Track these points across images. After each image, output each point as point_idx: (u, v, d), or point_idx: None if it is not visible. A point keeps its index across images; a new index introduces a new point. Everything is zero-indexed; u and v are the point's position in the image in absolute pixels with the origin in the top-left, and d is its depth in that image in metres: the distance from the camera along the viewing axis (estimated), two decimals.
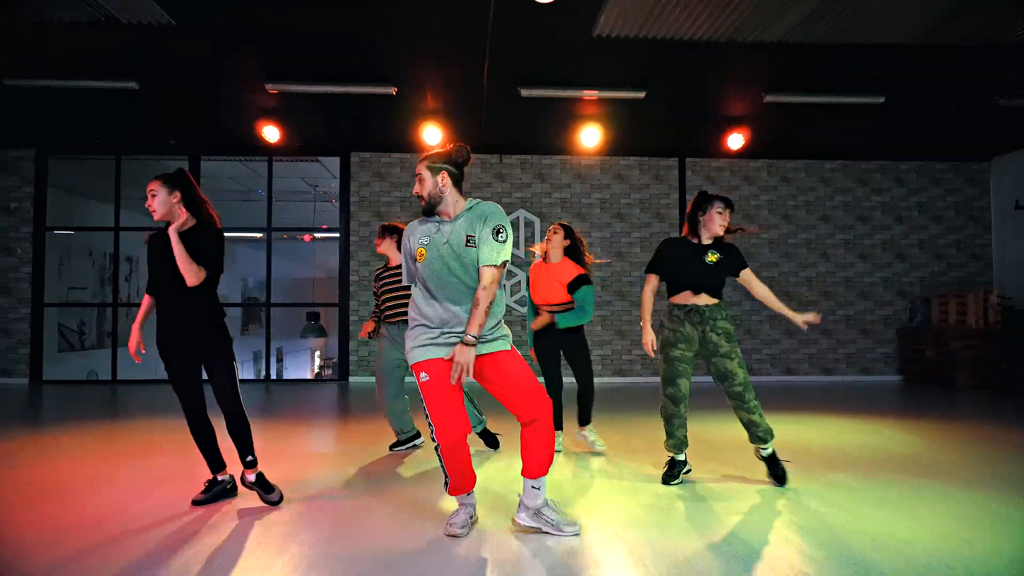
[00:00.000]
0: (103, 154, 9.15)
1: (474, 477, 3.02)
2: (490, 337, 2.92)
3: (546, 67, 6.60)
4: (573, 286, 4.46)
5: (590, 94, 7.13)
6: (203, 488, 3.46)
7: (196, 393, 3.36)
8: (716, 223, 3.74)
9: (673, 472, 3.82)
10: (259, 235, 17.34)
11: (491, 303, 2.81)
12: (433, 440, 2.83)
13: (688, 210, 3.87)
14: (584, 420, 4.72)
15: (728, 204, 3.77)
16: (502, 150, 9.38)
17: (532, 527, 2.98)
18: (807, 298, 9.55)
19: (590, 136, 8.32)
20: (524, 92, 6.98)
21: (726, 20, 5.52)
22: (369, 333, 4.65)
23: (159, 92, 7.04)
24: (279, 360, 20.42)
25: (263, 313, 21.87)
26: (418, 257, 2.88)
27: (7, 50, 6.01)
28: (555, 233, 4.54)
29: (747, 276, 3.81)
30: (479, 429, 4.71)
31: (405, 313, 4.34)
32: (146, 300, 3.37)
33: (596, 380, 4.97)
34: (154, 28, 5.57)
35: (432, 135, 8.08)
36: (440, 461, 2.90)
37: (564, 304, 4.52)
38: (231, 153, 9.30)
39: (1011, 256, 9.51)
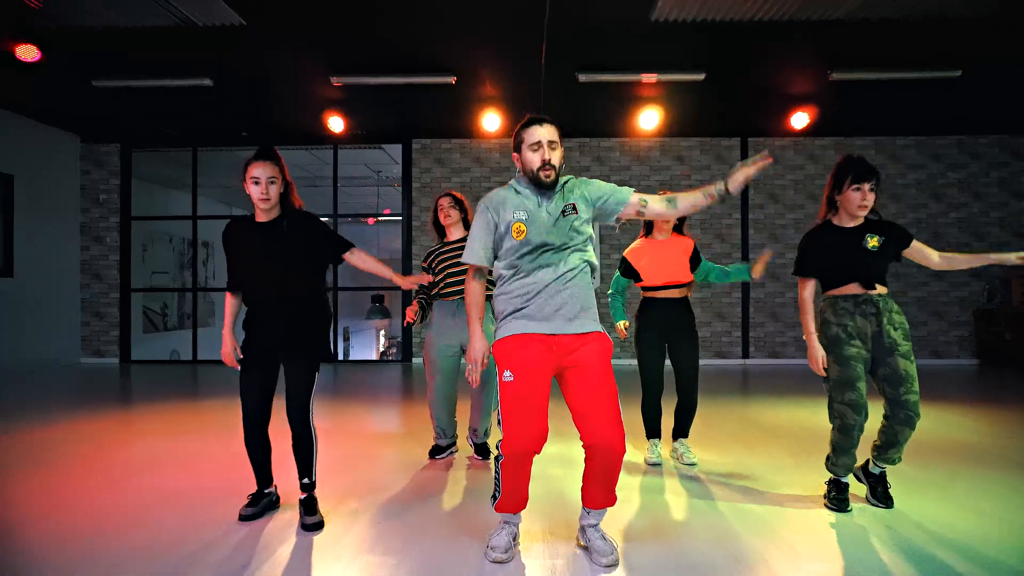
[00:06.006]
0: (181, 147, 9.65)
1: (527, 498, 2.67)
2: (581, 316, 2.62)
3: (603, 53, 6.58)
4: (695, 260, 4.00)
5: (649, 77, 7.08)
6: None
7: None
8: (854, 204, 3.07)
9: (845, 496, 3.22)
10: (325, 219, 18.00)
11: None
12: (497, 448, 2.53)
13: (827, 187, 3.19)
14: (681, 432, 4.12)
15: (864, 176, 3.05)
16: (560, 134, 9.39)
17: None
18: None
19: (648, 119, 8.26)
20: (582, 78, 6.99)
21: (787, 1, 5.41)
22: (415, 315, 4.01)
23: (232, 88, 7.38)
24: (345, 339, 21.15)
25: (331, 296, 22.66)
26: (516, 234, 2.62)
27: (96, 54, 6.42)
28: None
29: (917, 248, 3.16)
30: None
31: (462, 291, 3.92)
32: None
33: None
34: (227, 30, 5.85)
35: (491, 121, 8.19)
36: (497, 472, 2.58)
37: (685, 284, 4.02)
38: (299, 143, 9.65)
39: None
